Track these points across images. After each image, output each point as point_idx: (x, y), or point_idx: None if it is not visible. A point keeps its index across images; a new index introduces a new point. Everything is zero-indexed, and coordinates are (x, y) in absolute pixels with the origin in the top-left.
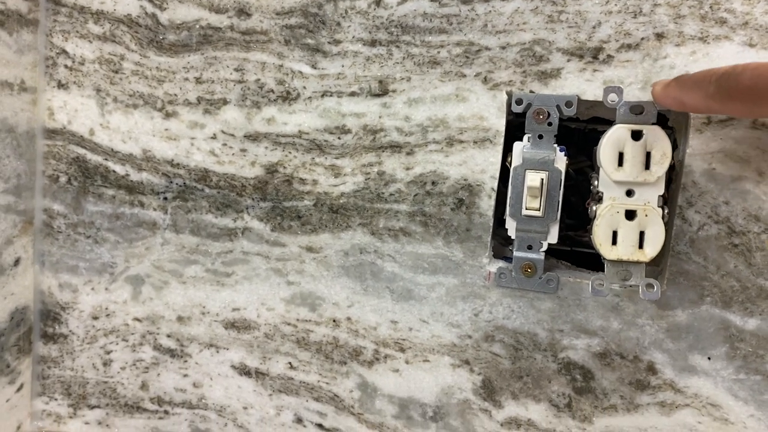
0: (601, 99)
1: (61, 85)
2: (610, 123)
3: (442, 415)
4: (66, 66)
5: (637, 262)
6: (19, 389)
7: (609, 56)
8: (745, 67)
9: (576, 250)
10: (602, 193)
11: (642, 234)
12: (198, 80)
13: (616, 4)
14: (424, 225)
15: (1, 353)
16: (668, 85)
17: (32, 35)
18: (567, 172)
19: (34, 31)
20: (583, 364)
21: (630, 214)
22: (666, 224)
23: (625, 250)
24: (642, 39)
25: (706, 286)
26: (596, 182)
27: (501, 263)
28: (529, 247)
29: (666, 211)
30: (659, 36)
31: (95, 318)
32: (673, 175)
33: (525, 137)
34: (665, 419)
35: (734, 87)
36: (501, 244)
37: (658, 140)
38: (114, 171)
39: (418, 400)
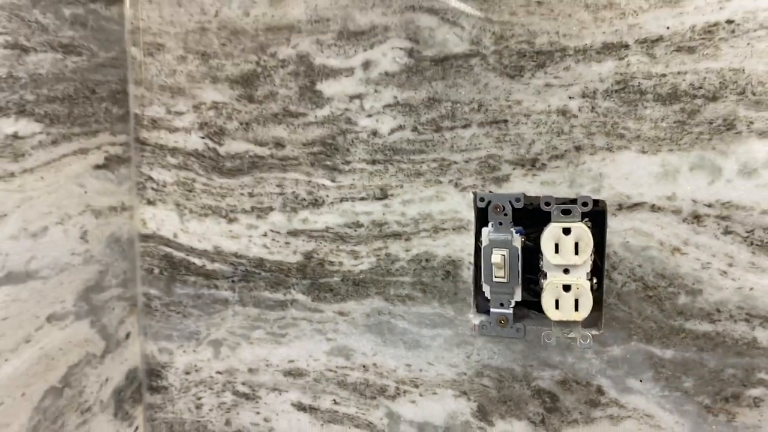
0: (540, 195)
1: (150, 202)
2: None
3: None
4: (153, 188)
5: (575, 321)
6: (135, 431)
7: (543, 164)
8: None
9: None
10: (546, 273)
11: (576, 301)
12: (250, 194)
13: (544, 128)
14: (423, 291)
15: (122, 404)
16: None
17: (127, 169)
18: (525, 245)
19: (128, 166)
20: (549, 389)
21: (567, 287)
22: (595, 291)
23: (564, 313)
24: (566, 151)
25: (632, 328)
26: (542, 263)
27: (483, 317)
28: (501, 305)
29: (595, 281)
30: (578, 148)
31: (187, 373)
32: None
33: (489, 224)
34: (615, 428)
35: None
36: (484, 301)
37: (583, 234)
38: (194, 263)
39: (431, 423)
